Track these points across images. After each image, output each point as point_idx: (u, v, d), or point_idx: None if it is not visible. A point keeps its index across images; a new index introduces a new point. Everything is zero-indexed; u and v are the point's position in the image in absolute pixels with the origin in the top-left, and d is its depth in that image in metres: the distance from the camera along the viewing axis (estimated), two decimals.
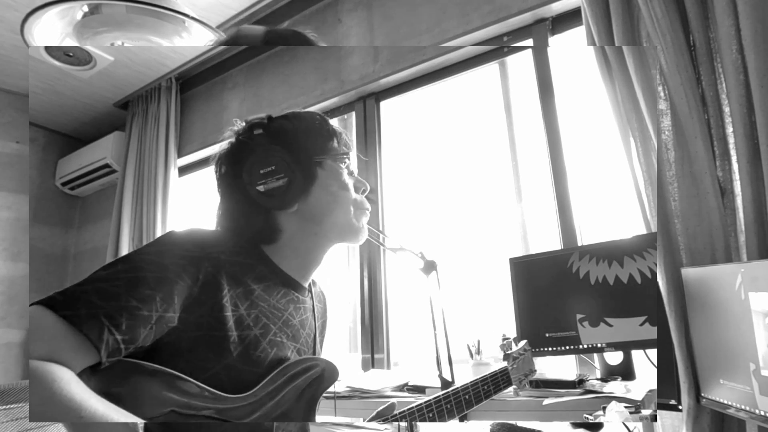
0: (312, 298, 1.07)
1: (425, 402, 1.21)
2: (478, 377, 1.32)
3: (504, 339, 1.87)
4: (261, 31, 1.27)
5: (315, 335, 1.05)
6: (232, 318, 0.85)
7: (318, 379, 0.97)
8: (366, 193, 1.08)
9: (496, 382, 1.32)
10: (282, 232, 0.98)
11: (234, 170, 0.99)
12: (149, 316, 0.77)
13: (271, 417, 0.88)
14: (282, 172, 0.94)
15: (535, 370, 1.42)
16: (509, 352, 1.39)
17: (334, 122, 1.09)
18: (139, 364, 0.78)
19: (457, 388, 1.27)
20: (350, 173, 1.06)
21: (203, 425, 0.83)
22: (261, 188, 0.94)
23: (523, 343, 1.46)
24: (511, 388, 1.36)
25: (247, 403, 0.84)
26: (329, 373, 0.98)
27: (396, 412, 1.18)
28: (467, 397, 1.26)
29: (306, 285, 1.04)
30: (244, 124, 1.03)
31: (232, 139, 1.02)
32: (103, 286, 0.76)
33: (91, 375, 0.73)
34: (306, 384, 0.95)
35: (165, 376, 0.78)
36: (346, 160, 1.04)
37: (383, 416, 1.17)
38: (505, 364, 1.39)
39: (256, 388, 0.86)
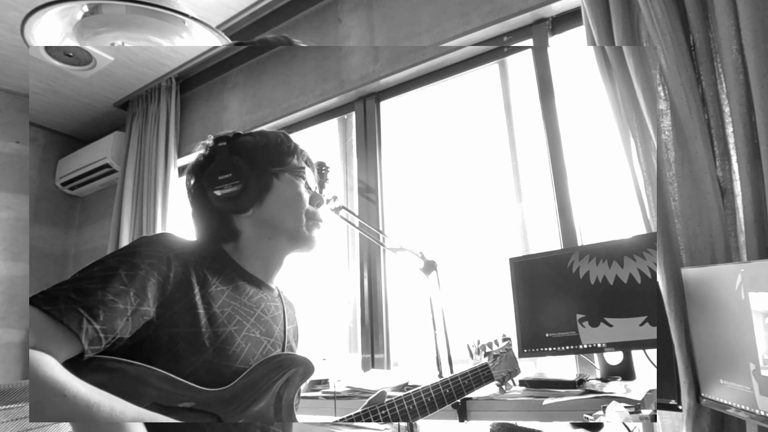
0: (282, 301, 1.13)
1: (405, 395, 1.24)
2: (458, 372, 1.35)
3: (504, 339, 1.88)
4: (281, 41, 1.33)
5: (285, 334, 1.10)
6: (205, 316, 0.91)
7: (294, 373, 1.01)
8: (320, 207, 1.15)
9: (476, 377, 1.38)
10: (239, 233, 1.07)
11: (198, 179, 1.09)
12: (125, 309, 0.83)
13: (249, 409, 0.92)
14: (237, 179, 1.04)
15: (519, 370, 1.45)
16: (489, 350, 1.43)
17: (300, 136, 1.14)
18: (120, 361, 0.83)
19: (437, 382, 1.31)
20: (308, 188, 1.13)
21: (196, 425, 0.85)
22: (218, 192, 1.04)
23: (505, 343, 1.47)
24: (494, 383, 1.39)
25: (226, 395, 0.89)
26: (304, 369, 1.03)
27: (376, 406, 1.23)
28: (447, 390, 1.32)
29: (272, 285, 1.12)
30: (211, 138, 1.12)
31: (200, 150, 1.12)
32: (80, 284, 0.82)
33: (75, 371, 0.76)
34: (283, 379, 0.99)
35: (144, 371, 0.83)
36: (304, 176, 1.12)
37: (375, 404, 1.23)
38: (485, 360, 1.41)
39: (234, 382, 0.91)
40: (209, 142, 1.12)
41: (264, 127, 3.09)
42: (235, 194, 1.03)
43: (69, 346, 0.77)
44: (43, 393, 0.71)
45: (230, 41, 1.51)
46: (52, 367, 0.73)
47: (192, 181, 1.11)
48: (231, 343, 0.92)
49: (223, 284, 0.98)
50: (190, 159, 1.14)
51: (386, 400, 1.25)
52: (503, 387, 1.42)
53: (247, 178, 1.04)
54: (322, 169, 1.28)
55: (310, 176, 1.15)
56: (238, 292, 1.00)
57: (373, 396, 1.26)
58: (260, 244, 1.08)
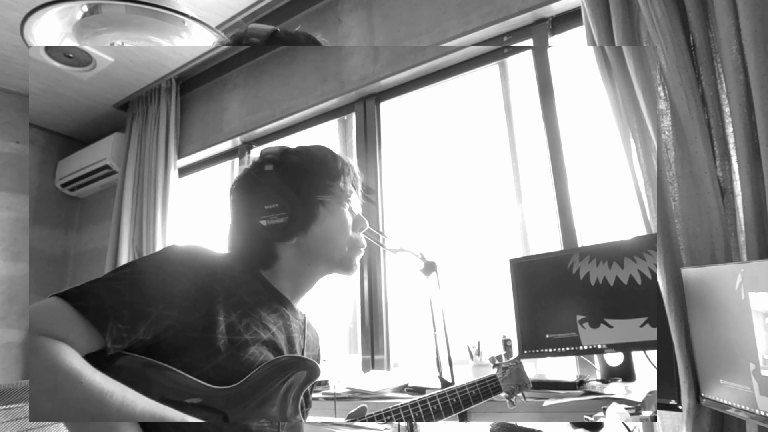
0: (304, 324, 1.14)
1: (411, 402, 1.24)
2: (465, 382, 1.35)
3: (504, 340, 1.88)
4: (268, 31, 1.29)
5: (299, 353, 1.10)
6: (224, 323, 0.92)
7: (300, 375, 1.02)
8: (364, 231, 1.16)
9: (484, 388, 1.38)
10: (279, 259, 1.08)
11: (243, 201, 1.09)
12: (150, 312, 0.85)
13: (255, 409, 0.93)
14: (284, 211, 1.03)
15: (529, 384, 1.44)
16: (499, 362, 1.43)
17: (347, 158, 1.16)
18: (133, 357, 0.85)
19: (444, 391, 1.30)
20: (351, 211, 1.14)
21: (202, 426, 0.86)
22: (264, 222, 1.04)
23: (514, 357, 1.48)
24: (502, 395, 1.39)
25: (232, 394, 0.90)
26: (309, 372, 1.04)
27: (381, 411, 1.23)
28: (454, 399, 1.32)
29: (298, 307, 1.12)
30: (259, 155, 1.11)
31: (247, 168, 1.12)
32: (111, 284, 0.86)
33: (91, 363, 0.79)
34: (289, 380, 1.00)
35: (155, 367, 0.85)
36: (350, 201, 1.13)
37: (355, 417, 1.24)
38: (494, 371, 1.41)
39: (240, 382, 0.91)
40: (257, 158, 1.11)
41: (264, 129, 3.10)
42: (282, 226, 1.03)
43: (91, 342, 0.81)
44: (60, 378, 0.74)
45: (227, 39, 1.51)
46: (71, 355, 0.76)
47: (234, 198, 1.11)
48: (245, 352, 0.93)
49: (247, 296, 0.99)
50: (236, 174, 1.13)
51: (392, 406, 1.24)
52: (512, 400, 1.42)
53: (293, 209, 1.04)
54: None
55: (355, 200, 1.16)
56: (261, 305, 1.01)
57: (353, 410, 1.27)
58: (297, 268, 1.09)
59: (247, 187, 1.09)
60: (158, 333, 0.86)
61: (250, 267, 1.05)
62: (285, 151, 1.11)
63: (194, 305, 0.90)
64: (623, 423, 1.33)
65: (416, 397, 1.28)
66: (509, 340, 1.90)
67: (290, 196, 1.04)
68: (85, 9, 1.42)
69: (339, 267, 1.12)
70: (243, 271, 1.03)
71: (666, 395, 1.46)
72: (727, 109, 1.49)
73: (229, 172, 3.49)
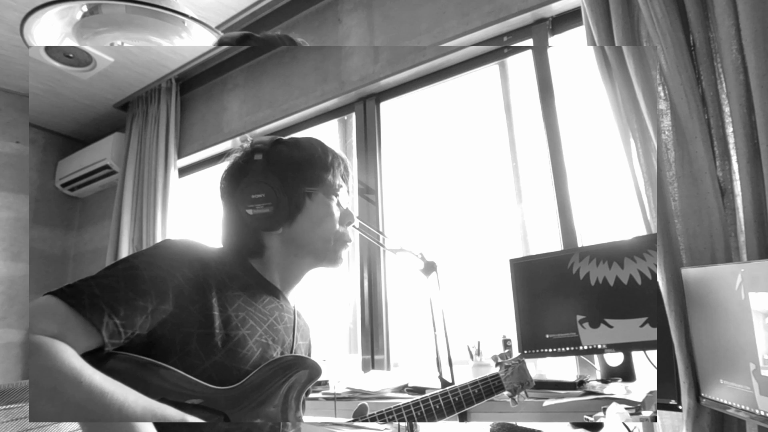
0: (296, 316, 1.14)
1: (413, 401, 1.24)
2: (468, 381, 1.35)
3: (505, 340, 1.87)
4: (239, 35, 1.32)
5: (295, 345, 1.11)
6: (220, 317, 0.92)
7: (301, 375, 1.02)
8: (350, 225, 1.16)
9: (487, 386, 1.38)
10: (266, 248, 1.09)
11: (231, 189, 1.10)
12: (145, 306, 0.85)
13: (255, 409, 0.93)
14: (270, 201, 1.05)
15: (532, 382, 1.44)
16: (501, 361, 1.42)
17: (336, 148, 1.18)
18: (132, 357, 0.85)
19: (446, 389, 1.30)
20: (339, 205, 1.14)
21: (203, 426, 0.86)
22: (250, 211, 1.06)
23: (517, 355, 1.48)
24: (505, 394, 1.39)
25: (233, 394, 0.90)
26: (311, 371, 1.04)
27: (383, 410, 1.24)
28: (457, 398, 1.32)
29: (289, 298, 1.13)
30: (249, 143, 1.12)
31: (237, 156, 1.12)
32: (104, 281, 0.85)
33: (90, 363, 0.78)
34: (291, 380, 1.00)
35: (154, 367, 0.85)
36: (337, 194, 1.13)
37: (357, 416, 1.24)
38: (497, 370, 1.41)
39: (241, 381, 0.92)
40: (247, 146, 1.12)
41: (264, 129, 3.10)
42: (267, 215, 1.05)
43: (89, 339, 0.80)
44: (59, 379, 0.73)
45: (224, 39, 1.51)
46: (70, 355, 0.75)
47: (223, 186, 1.12)
48: (243, 346, 0.93)
49: (241, 289, 0.99)
50: (226, 163, 1.14)
51: (394, 406, 1.25)
52: (515, 398, 1.41)
53: (279, 198, 1.05)
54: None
55: (344, 194, 1.16)
56: (255, 298, 1.01)
57: (355, 409, 1.27)
58: (285, 259, 1.10)
59: (236, 175, 1.10)
60: (154, 328, 0.86)
61: (240, 258, 1.06)
62: (275, 142, 1.12)
63: (189, 299, 0.90)
64: (623, 423, 1.33)
65: (418, 397, 1.28)
66: (509, 340, 1.90)
67: (277, 187, 1.05)
68: (85, 9, 1.42)
69: (325, 260, 1.12)
70: (234, 263, 1.03)
71: (666, 395, 1.46)
72: (727, 109, 1.49)
73: None
